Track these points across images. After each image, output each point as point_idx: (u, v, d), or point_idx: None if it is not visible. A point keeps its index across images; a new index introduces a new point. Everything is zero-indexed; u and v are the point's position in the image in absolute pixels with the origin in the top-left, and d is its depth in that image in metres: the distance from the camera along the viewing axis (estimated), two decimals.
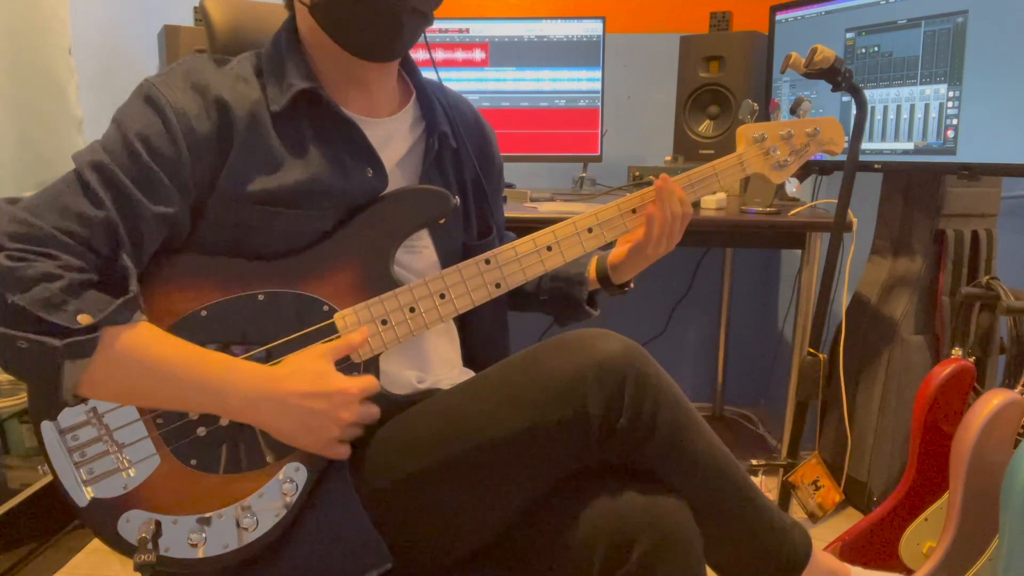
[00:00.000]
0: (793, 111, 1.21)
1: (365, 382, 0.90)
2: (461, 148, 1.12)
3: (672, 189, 1.07)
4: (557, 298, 1.22)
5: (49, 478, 1.75)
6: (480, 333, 1.16)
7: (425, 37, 1.04)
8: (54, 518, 1.78)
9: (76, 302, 0.79)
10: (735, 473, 0.95)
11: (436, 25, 1.05)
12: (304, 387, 0.86)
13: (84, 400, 0.86)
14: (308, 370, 0.88)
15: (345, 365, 0.94)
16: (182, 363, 0.84)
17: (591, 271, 1.19)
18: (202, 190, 0.92)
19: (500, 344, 1.20)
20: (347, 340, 0.93)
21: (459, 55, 2.31)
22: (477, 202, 1.15)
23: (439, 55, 2.30)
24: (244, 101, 0.94)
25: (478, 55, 2.32)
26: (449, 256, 1.07)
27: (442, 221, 1.02)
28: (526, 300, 1.26)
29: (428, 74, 1.14)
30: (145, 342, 0.83)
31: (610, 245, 1.15)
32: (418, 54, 1.08)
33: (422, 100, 1.10)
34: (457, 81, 2.32)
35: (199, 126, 0.91)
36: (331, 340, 0.93)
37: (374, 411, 0.92)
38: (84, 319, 0.78)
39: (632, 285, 1.21)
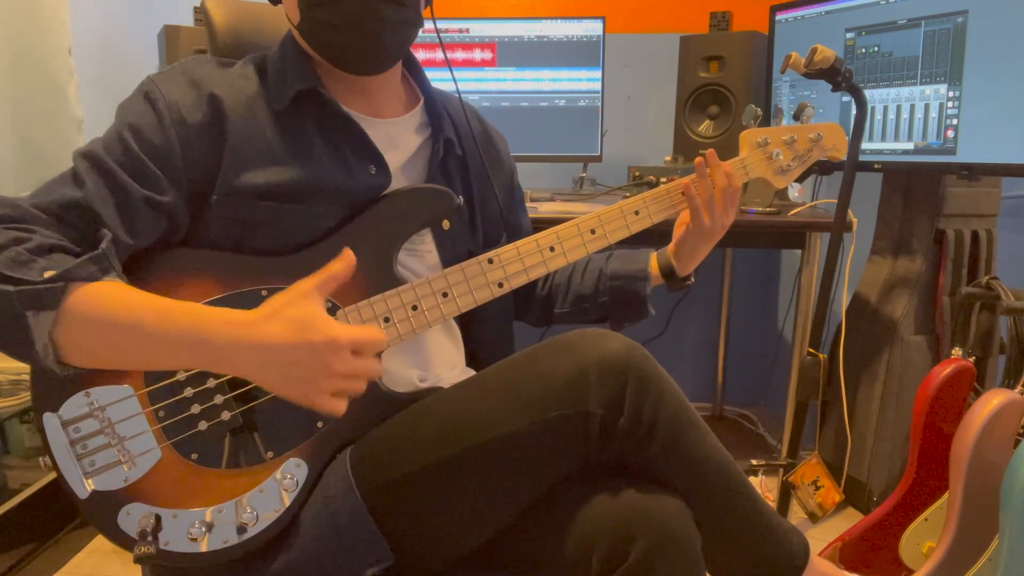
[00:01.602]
0: (796, 117, 1.21)
1: (359, 332, 0.79)
2: (467, 156, 1.12)
3: (716, 163, 1.10)
4: (618, 297, 1.21)
5: (49, 478, 1.75)
6: (484, 334, 1.16)
7: (440, 38, 1.09)
8: (54, 518, 1.78)
9: (43, 260, 0.79)
10: (734, 475, 0.95)
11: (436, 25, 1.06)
12: (284, 334, 0.77)
13: (71, 369, 0.82)
14: (290, 314, 0.78)
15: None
16: (150, 316, 0.79)
17: (653, 266, 1.20)
18: (198, 182, 0.92)
19: (504, 345, 1.20)
20: (330, 271, 0.81)
21: (459, 55, 2.31)
22: (484, 210, 1.15)
23: (439, 54, 2.30)
24: (240, 95, 0.96)
25: (478, 55, 2.32)
26: (451, 262, 1.07)
27: (446, 224, 1.02)
28: (583, 303, 1.23)
29: (443, 74, 1.14)
30: (112, 297, 0.80)
31: (654, 244, 1.16)
32: (434, 55, 1.09)
33: (429, 106, 1.11)
34: (457, 81, 2.32)
35: (190, 117, 0.92)
36: (313, 274, 0.82)
37: (374, 366, 0.82)
38: (49, 274, 0.78)
39: (693, 279, 1.23)
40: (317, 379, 0.78)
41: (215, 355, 0.79)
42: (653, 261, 1.21)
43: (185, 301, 0.81)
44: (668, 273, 1.20)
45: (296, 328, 0.77)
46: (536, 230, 1.05)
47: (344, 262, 0.82)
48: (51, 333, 0.78)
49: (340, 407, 0.80)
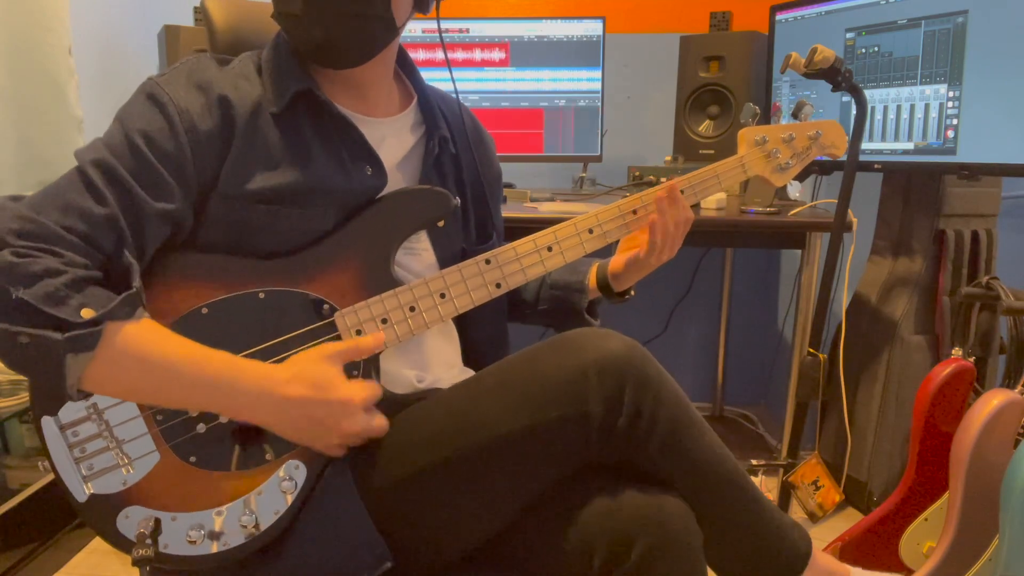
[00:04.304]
0: (795, 115, 1.21)
1: (369, 391, 0.89)
2: (461, 153, 1.12)
3: (676, 198, 1.07)
4: (556, 306, 1.22)
5: (49, 478, 1.75)
6: (481, 334, 1.16)
7: (442, 38, 1.09)
8: (54, 518, 1.78)
9: (79, 297, 0.79)
10: (735, 473, 0.95)
11: (435, 25, 1.06)
12: (306, 393, 0.86)
13: (88, 396, 0.86)
14: (313, 375, 0.87)
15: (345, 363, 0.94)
16: (185, 361, 0.84)
17: (591, 279, 1.19)
18: (204, 187, 0.92)
19: (500, 345, 1.20)
20: (357, 344, 0.92)
21: (459, 55, 2.31)
22: (477, 207, 1.15)
23: (439, 55, 2.30)
24: (246, 98, 0.95)
25: (478, 55, 2.32)
26: (448, 259, 1.07)
27: (442, 224, 1.02)
28: (524, 309, 1.25)
29: (444, 74, 1.14)
30: (148, 338, 0.83)
31: (609, 252, 1.15)
32: (434, 55, 1.09)
33: (423, 104, 1.11)
34: (456, 81, 2.32)
35: (201, 123, 0.91)
36: (340, 341, 0.93)
37: (381, 423, 0.91)
38: (87, 313, 0.78)
39: (632, 293, 1.21)
40: (328, 435, 0.88)
41: (243, 404, 0.86)
42: (592, 274, 1.20)
43: (216, 350, 0.86)
44: (604, 287, 1.19)
45: (316, 387, 0.86)
46: (536, 230, 1.04)
47: (375, 340, 0.93)
48: (82, 370, 0.79)
49: (341, 453, 0.91)
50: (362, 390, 0.89)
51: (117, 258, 0.85)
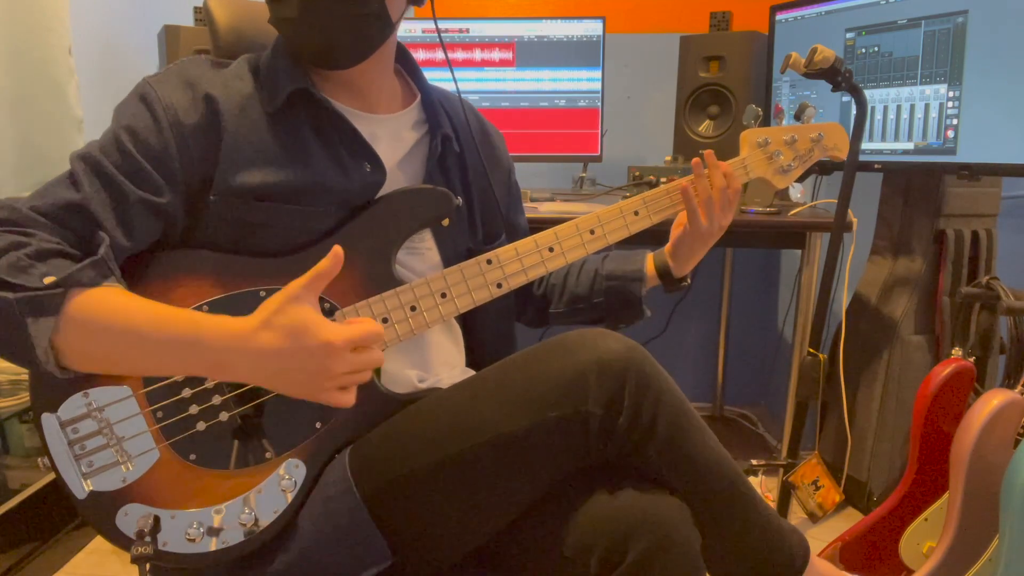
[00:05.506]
0: (798, 117, 1.21)
1: (355, 332, 0.80)
2: (465, 153, 1.12)
3: (713, 164, 1.10)
4: (613, 298, 1.21)
5: (49, 478, 1.75)
6: (487, 335, 1.16)
7: (440, 37, 1.10)
8: (54, 518, 1.78)
9: (43, 266, 0.79)
10: (734, 476, 0.95)
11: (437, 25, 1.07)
12: (278, 343, 0.78)
13: (71, 373, 0.83)
14: (282, 322, 0.78)
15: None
16: (148, 321, 0.80)
17: (649, 267, 1.20)
18: (195, 184, 0.93)
19: (505, 345, 1.19)
20: (317, 270, 0.81)
21: (459, 55, 2.31)
22: (483, 207, 1.15)
23: (439, 55, 2.30)
24: (235, 95, 0.96)
25: (478, 55, 2.32)
26: (452, 259, 1.07)
27: (445, 223, 1.02)
28: (576, 304, 1.24)
29: (444, 74, 1.14)
30: (111, 302, 0.81)
31: (653, 245, 1.15)
32: (435, 55, 1.09)
33: (426, 103, 1.11)
34: (457, 80, 2.32)
35: (186, 118, 0.92)
36: (301, 276, 0.81)
37: (376, 356, 0.84)
38: (49, 280, 0.78)
39: (690, 280, 1.23)
40: (319, 380, 0.80)
41: (212, 361, 0.81)
42: (649, 262, 1.21)
43: (182, 308, 0.83)
44: (664, 274, 1.20)
45: (289, 336, 0.78)
46: (536, 230, 1.04)
47: (332, 259, 0.82)
48: (52, 339, 0.79)
49: (348, 399, 0.83)
50: (344, 330, 0.80)
51: (89, 238, 0.86)
